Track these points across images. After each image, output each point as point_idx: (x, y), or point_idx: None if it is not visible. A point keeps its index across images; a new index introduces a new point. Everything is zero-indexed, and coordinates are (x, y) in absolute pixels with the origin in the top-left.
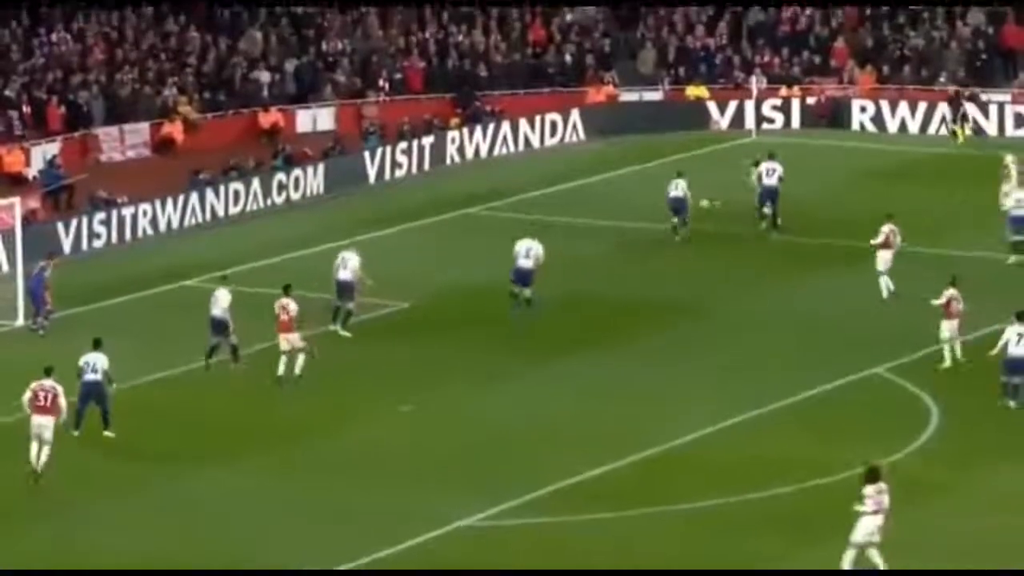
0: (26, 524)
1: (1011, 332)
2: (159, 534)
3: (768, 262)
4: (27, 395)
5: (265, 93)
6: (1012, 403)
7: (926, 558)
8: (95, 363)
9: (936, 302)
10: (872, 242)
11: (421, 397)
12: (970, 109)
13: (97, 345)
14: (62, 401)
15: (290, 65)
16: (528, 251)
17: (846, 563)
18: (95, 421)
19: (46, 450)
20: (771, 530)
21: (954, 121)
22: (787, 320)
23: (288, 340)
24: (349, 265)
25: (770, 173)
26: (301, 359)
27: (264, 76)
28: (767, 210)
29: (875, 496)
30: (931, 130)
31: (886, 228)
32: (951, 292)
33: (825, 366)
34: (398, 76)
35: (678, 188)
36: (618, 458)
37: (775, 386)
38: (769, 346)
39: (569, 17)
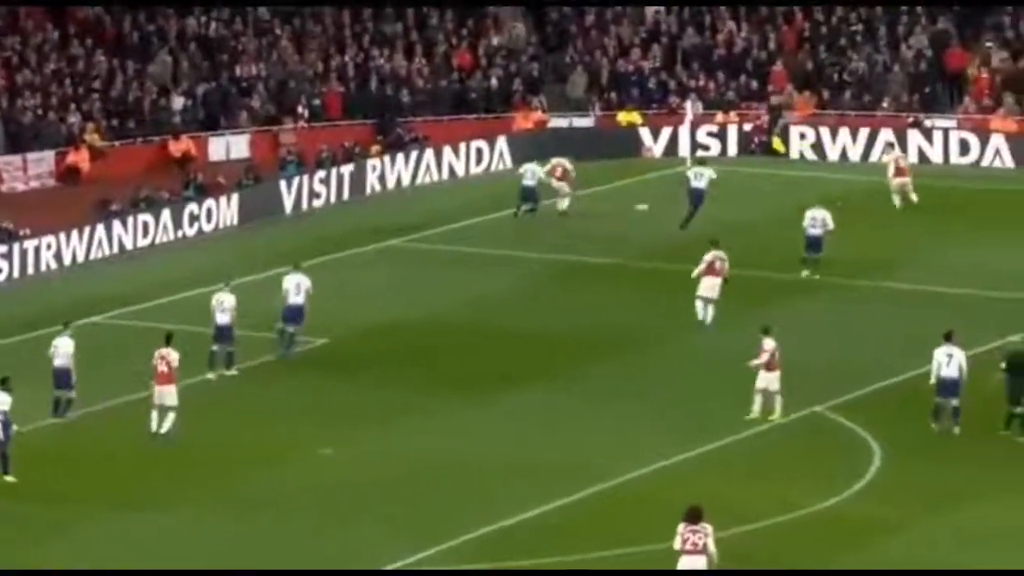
0: None
1: (940, 354)
2: None
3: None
4: None
5: (177, 120)
6: (935, 426)
7: None
8: None
9: (757, 362)
10: (694, 273)
11: (343, 436)
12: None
13: (2, 383)
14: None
15: (202, 91)
16: (299, 286)
17: None
18: None
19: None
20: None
21: (769, 134)
22: (727, 356)
23: (163, 394)
24: (226, 306)
25: (698, 177)
26: (172, 416)
27: (176, 102)
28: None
29: (685, 534)
30: (873, 157)
31: (709, 255)
32: (770, 344)
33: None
34: (316, 102)
35: (532, 177)
36: (556, 498)
37: (714, 425)
38: (708, 383)
39: (496, 40)
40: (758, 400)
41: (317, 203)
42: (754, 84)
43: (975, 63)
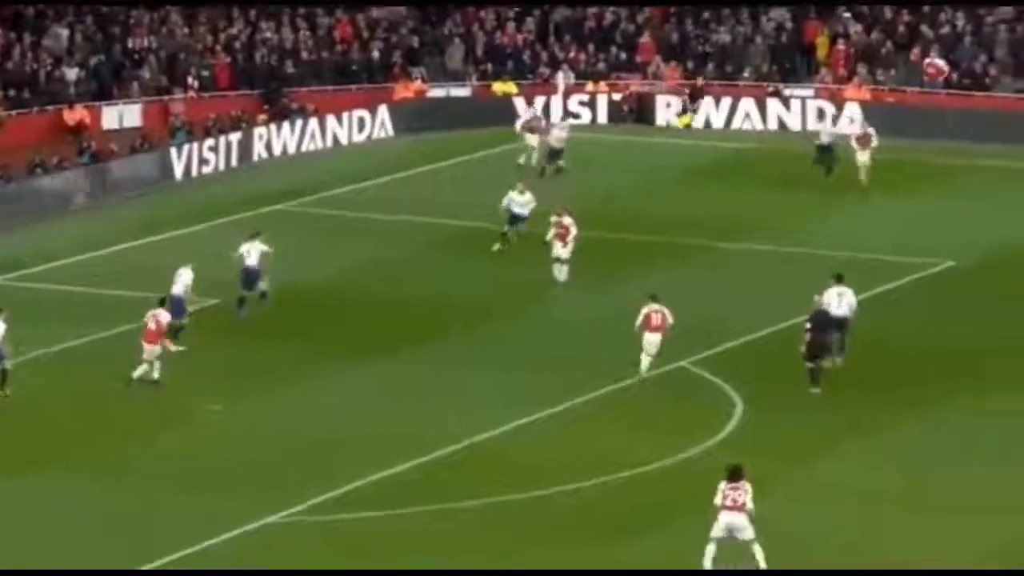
0: None
1: (831, 294)
2: None
3: (575, 260)
4: None
5: (72, 90)
6: (839, 359)
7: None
8: None
9: (638, 323)
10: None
11: (226, 398)
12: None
13: None
14: None
15: (95, 62)
16: (249, 251)
17: (707, 559)
18: None
19: None
20: (574, 526)
21: (684, 111)
22: (593, 317)
23: (151, 351)
24: (181, 280)
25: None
26: (158, 365)
27: (70, 73)
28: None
29: (727, 491)
30: (735, 125)
31: (565, 219)
32: (650, 307)
33: (630, 361)
34: (205, 73)
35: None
36: (420, 455)
37: (579, 382)
38: (574, 343)
39: (376, 13)
40: (645, 362)
41: (206, 169)
42: (623, 55)
43: (825, 34)
